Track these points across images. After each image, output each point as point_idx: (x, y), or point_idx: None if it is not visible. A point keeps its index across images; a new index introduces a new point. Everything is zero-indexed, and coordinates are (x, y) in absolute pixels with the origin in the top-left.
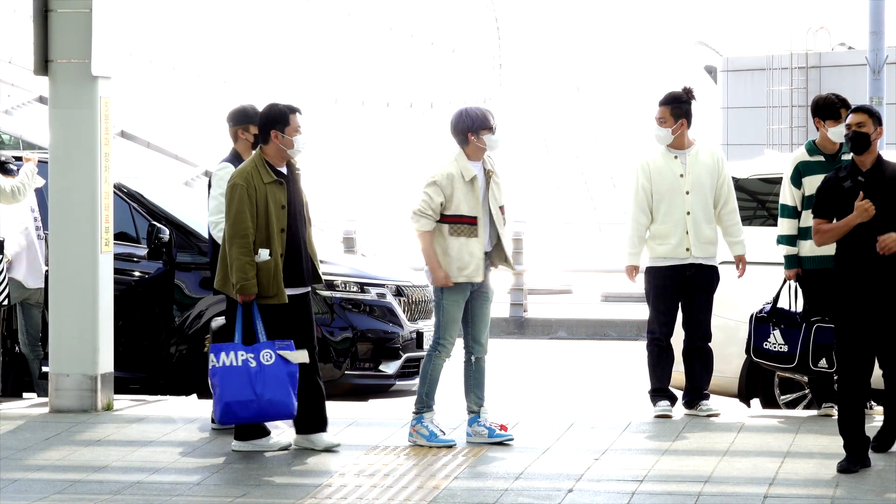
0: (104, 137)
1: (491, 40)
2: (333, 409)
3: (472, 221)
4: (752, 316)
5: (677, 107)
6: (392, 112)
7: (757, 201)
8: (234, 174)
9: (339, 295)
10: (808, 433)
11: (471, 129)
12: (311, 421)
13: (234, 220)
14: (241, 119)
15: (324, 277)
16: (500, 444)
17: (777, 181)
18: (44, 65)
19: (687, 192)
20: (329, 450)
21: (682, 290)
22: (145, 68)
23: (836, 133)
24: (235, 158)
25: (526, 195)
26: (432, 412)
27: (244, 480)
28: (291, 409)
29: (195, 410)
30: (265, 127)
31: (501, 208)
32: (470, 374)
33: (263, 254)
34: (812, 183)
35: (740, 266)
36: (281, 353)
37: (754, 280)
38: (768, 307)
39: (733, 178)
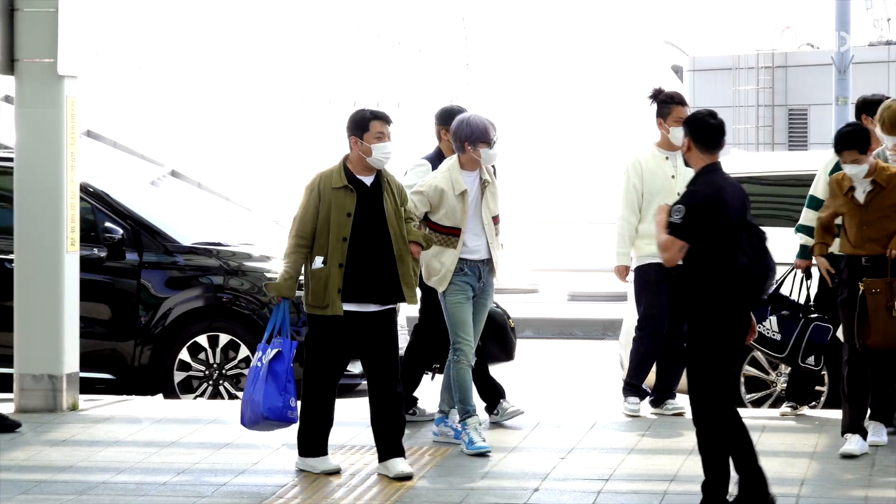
0: (70, 137)
1: (458, 40)
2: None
3: (452, 232)
4: None
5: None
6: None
7: None
8: (315, 175)
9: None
10: (773, 432)
11: (468, 139)
12: (384, 446)
13: (295, 219)
14: (444, 119)
15: None
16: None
17: (742, 181)
18: (10, 64)
19: (678, 194)
20: (401, 478)
21: (669, 288)
22: (112, 67)
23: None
24: (438, 157)
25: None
26: (474, 417)
27: (210, 481)
28: (264, 410)
29: (161, 410)
30: (348, 131)
31: (495, 218)
32: (449, 375)
33: (318, 261)
34: None
35: None
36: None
37: None
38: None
39: None
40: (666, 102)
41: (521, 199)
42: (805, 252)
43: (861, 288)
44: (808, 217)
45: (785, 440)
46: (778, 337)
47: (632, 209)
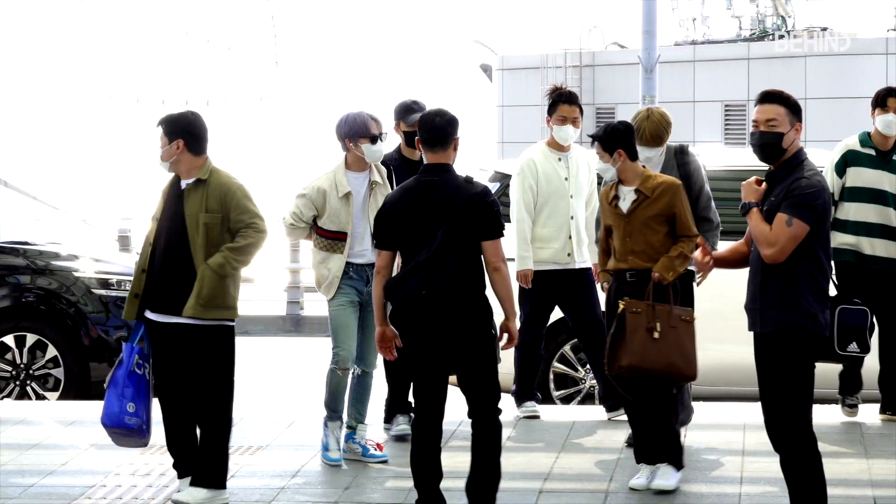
0: None
1: (267, 38)
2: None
3: (338, 237)
4: None
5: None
6: (166, 110)
7: None
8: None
9: (114, 293)
10: (581, 428)
11: (348, 135)
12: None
13: None
14: (400, 114)
15: (99, 276)
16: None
17: None
18: None
19: (571, 196)
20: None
21: (560, 295)
22: None
23: (882, 121)
24: (398, 155)
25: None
26: (336, 422)
27: (17, 482)
28: (101, 417)
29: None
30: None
31: None
32: (353, 388)
33: None
34: (856, 175)
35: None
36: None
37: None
38: None
39: (507, 175)
40: (554, 101)
41: None
42: None
43: (621, 307)
44: None
45: (593, 437)
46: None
47: (528, 211)
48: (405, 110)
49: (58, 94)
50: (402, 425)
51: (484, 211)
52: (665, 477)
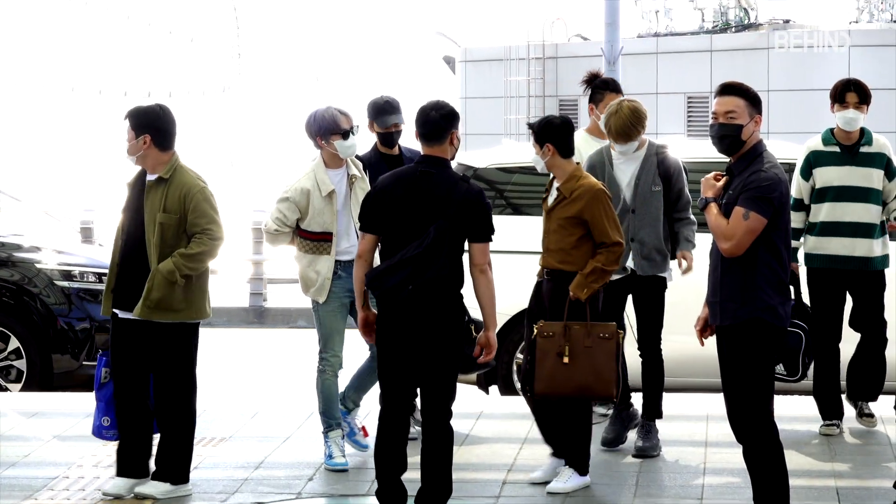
0: None
1: (229, 29)
2: (71, 400)
3: (323, 237)
4: None
5: None
6: (129, 101)
7: (495, 190)
8: None
9: (76, 285)
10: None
11: (318, 133)
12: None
13: None
14: (372, 112)
15: (61, 268)
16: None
17: (513, 171)
18: None
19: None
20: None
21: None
22: None
23: (841, 117)
24: (375, 152)
25: (265, 184)
26: (336, 430)
27: None
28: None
29: None
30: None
31: None
32: (360, 374)
33: None
34: (823, 175)
35: None
36: None
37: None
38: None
39: (471, 167)
40: (600, 88)
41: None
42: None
43: (535, 330)
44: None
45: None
46: None
47: None
48: (378, 111)
49: (20, 86)
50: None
51: (478, 212)
52: (563, 479)
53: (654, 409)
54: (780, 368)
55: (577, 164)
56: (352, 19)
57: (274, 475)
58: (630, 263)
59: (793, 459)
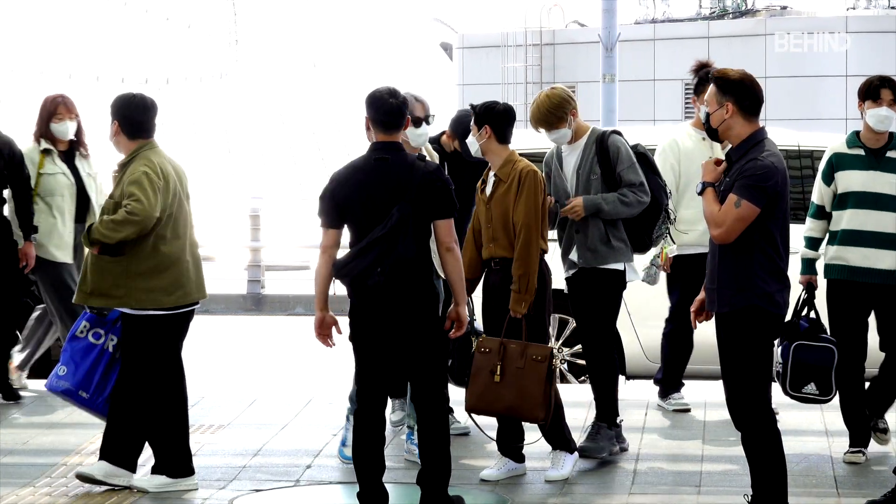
0: None
1: (227, 16)
2: None
3: None
4: None
5: None
6: (126, 88)
7: None
8: None
9: None
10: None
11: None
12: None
13: None
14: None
15: None
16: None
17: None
18: None
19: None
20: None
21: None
22: None
23: (873, 116)
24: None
25: (263, 171)
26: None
27: None
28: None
29: None
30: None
31: None
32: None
33: None
34: (845, 179)
35: None
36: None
37: None
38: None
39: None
40: (703, 80)
41: (291, 176)
42: (807, 266)
43: (475, 344)
44: (809, 227)
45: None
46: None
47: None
48: (458, 122)
49: (17, 73)
50: (454, 423)
51: (438, 190)
52: (557, 465)
53: (604, 412)
54: (812, 388)
55: (513, 151)
56: (349, 6)
57: (272, 462)
58: (574, 256)
59: (790, 446)
